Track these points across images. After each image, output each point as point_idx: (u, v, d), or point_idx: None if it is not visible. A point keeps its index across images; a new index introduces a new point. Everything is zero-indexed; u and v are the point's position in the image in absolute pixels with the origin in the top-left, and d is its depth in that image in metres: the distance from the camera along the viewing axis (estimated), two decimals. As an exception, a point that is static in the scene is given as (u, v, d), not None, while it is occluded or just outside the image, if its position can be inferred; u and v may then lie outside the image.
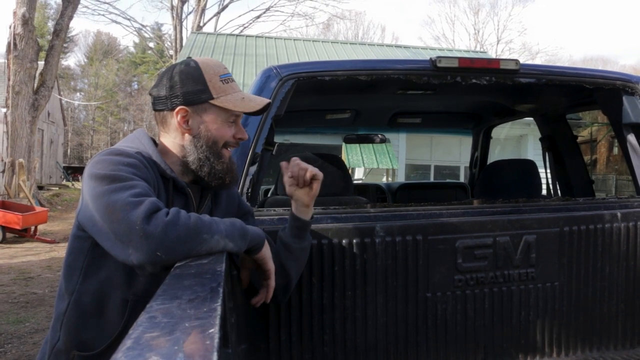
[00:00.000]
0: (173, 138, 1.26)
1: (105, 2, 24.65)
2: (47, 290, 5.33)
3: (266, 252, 1.19)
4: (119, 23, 49.40)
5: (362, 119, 3.30)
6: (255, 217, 1.47)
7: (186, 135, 1.24)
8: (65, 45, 25.99)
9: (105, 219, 1.01)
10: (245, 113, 1.28)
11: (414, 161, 12.58)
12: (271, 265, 1.21)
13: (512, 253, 1.78)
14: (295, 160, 1.36)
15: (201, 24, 25.62)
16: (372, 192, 3.75)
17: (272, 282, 1.23)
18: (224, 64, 1.32)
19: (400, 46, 15.57)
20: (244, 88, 9.63)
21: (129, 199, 1.00)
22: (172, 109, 1.23)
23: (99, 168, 1.09)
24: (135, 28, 42.52)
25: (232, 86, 1.27)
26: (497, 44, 36.40)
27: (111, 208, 1.01)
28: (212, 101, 1.22)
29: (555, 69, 2.10)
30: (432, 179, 12.37)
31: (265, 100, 1.30)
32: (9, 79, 12.11)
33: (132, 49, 45.94)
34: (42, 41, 22.01)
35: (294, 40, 14.92)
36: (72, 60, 46.93)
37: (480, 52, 22.32)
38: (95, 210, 1.05)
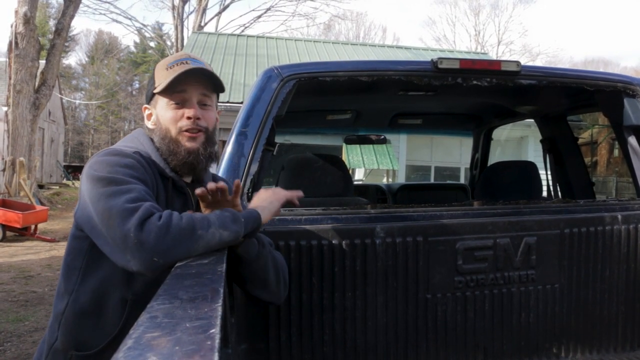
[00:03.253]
0: None
1: (106, 2, 24.70)
2: (47, 289, 5.33)
3: (267, 218, 1.21)
4: (120, 22, 49.66)
5: (363, 120, 3.30)
6: None
7: (154, 130, 1.28)
8: (66, 44, 26.01)
9: (103, 224, 1.03)
10: (163, 93, 1.22)
11: (414, 162, 12.57)
12: (278, 206, 1.27)
13: (512, 255, 1.78)
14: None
15: (202, 24, 25.63)
16: (373, 193, 3.74)
17: (290, 194, 1.32)
18: (190, 53, 1.31)
19: (401, 47, 15.55)
20: (245, 88, 9.62)
21: (124, 206, 1.01)
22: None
23: (96, 169, 1.10)
24: (136, 27, 42.62)
25: (175, 69, 1.23)
26: (498, 45, 36.43)
27: (107, 214, 1.02)
28: (155, 91, 1.25)
29: (556, 70, 2.10)
30: (432, 180, 12.36)
31: (179, 71, 1.20)
32: (10, 78, 12.11)
33: (133, 49, 46.00)
34: (44, 40, 22.05)
35: (295, 40, 14.91)
36: (73, 59, 46.93)
37: (481, 53, 22.31)
38: (93, 214, 1.06)
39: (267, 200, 1.26)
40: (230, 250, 1.16)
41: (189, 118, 1.22)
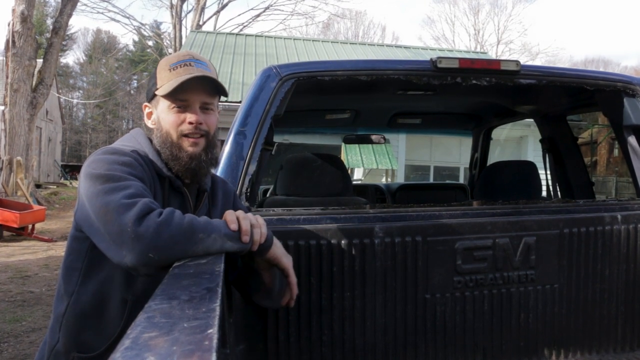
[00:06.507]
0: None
1: (104, 0, 24.66)
2: (44, 289, 5.31)
3: (277, 249, 1.16)
4: (118, 21, 49.52)
5: (362, 119, 3.30)
6: None
7: (154, 129, 1.28)
8: (64, 43, 25.93)
9: (100, 220, 1.02)
10: (166, 96, 1.20)
11: (413, 162, 12.58)
12: (286, 262, 1.18)
13: (511, 255, 1.78)
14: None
15: (200, 23, 25.59)
16: (372, 193, 3.74)
17: (293, 279, 1.21)
18: (192, 52, 1.29)
19: (400, 46, 15.56)
20: (244, 87, 9.61)
21: (122, 201, 1.00)
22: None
23: (94, 167, 1.10)
24: (134, 26, 42.39)
25: (179, 72, 1.21)
26: (498, 44, 36.43)
27: (104, 209, 1.01)
28: (156, 92, 1.24)
29: (555, 70, 2.10)
30: (431, 180, 12.37)
31: (183, 78, 1.18)
32: (7, 77, 12.08)
33: (131, 47, 45.93)
34: (41, 39, 21.99)
35: (294, 39, 14.91)
36: (71, 58, 46.98)
37: (481, 52, 22.33)
38: (90, 210, 1.05)
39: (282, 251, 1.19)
40: (243, 263, 1.19)
41: (190, 123, 1.21)
